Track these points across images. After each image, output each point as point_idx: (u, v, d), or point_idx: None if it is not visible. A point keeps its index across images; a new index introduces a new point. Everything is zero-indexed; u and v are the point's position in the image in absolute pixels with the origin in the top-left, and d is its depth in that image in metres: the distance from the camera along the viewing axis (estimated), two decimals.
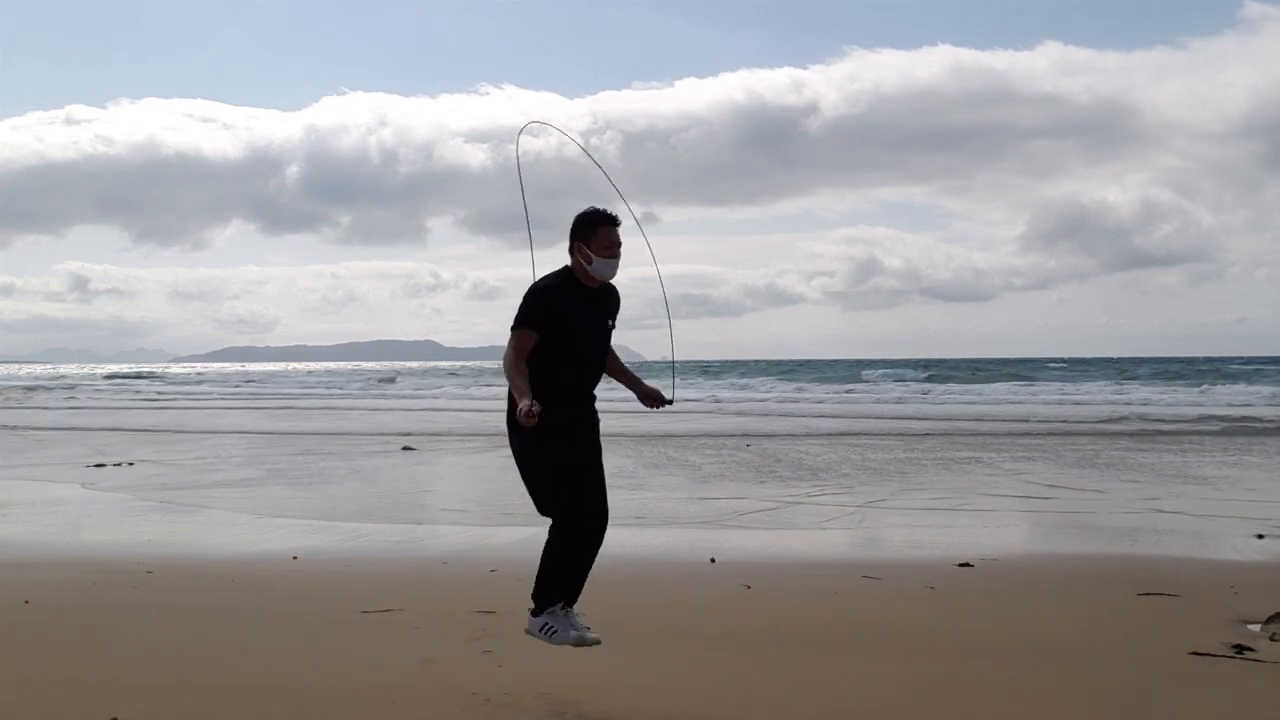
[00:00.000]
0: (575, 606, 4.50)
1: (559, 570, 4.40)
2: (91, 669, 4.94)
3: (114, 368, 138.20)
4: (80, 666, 4.99)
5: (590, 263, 4.36)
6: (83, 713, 4.28)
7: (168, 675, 4.85)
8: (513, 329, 4.30)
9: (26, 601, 6.35)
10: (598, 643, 4.44)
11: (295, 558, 8.11)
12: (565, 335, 4.30)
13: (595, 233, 4.36)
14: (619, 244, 4.39)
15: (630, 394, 4.69)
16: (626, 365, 4.72)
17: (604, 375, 4.62)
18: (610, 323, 4.53)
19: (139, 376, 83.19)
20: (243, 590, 6.89)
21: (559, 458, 4.34)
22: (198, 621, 5.94)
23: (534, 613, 4.46)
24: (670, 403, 4.64)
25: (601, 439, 4.58)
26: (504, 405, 4.44)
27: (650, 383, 4.66)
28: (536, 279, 4.43)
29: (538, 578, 4.43)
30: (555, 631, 4.40)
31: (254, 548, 8.78)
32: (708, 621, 6.03)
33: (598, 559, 4.54)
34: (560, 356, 4.31)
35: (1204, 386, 39.89)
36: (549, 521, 4.44)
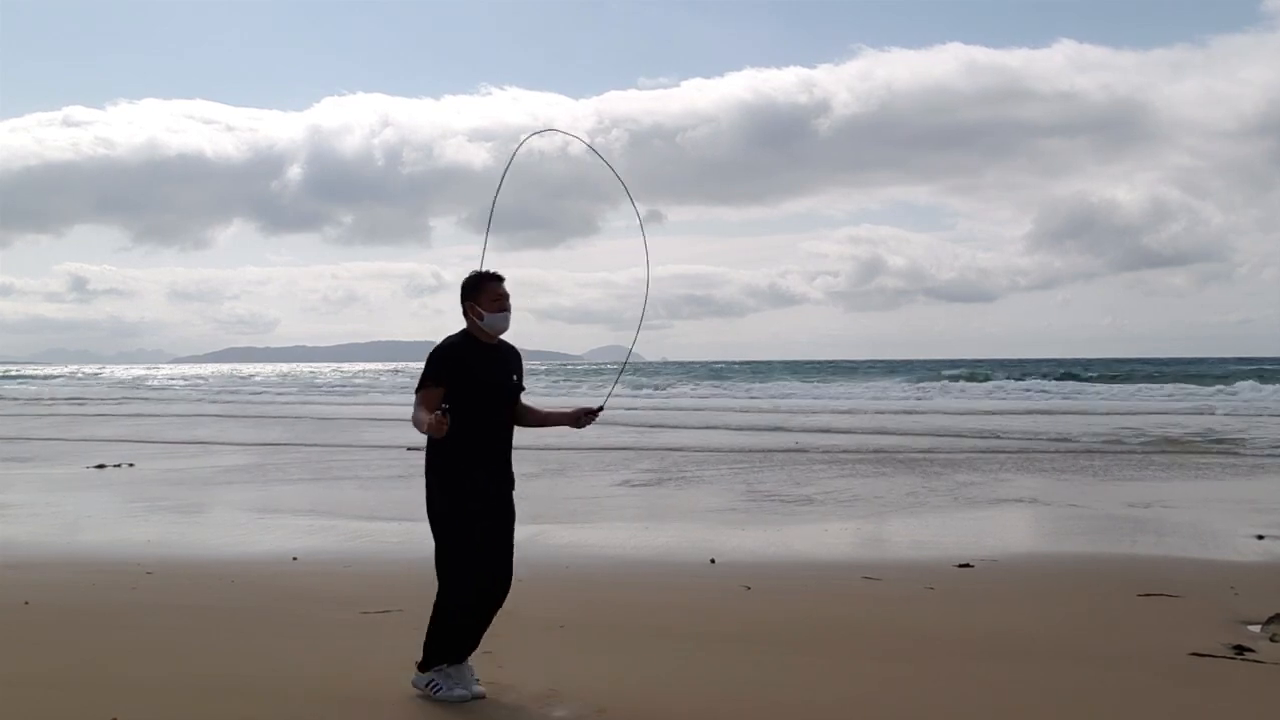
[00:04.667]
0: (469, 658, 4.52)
1: (447, 631, 4.44)
2: (91, 669, 4.94)
3: (115, 368, 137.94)
4: (80, 666, 4.99)
5: (482, 319, 4.51)
6: (83, 713, 4.28)
7: (168, 675, 4.84)
8: (418, 390, 4.44)
9: (26, 602, 6.35)
10: (482, 697, 4.47)
11: (295, 558, 8.11)
12: (472, 390, 4.41)
13: (482, 291, 4.52)
14: (506, 296, 4.54)
15: (581, 427, 4.73)
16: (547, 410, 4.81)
17: (528, 428, 4.71)
18: (515, 378, 4.61)
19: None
20: (243, 590, 6.89)
21: (467, 516, 4.38)
22: (198, 621, 5.94)
23: (420, 666, 4.51)
24: (601, 409, 4.74)
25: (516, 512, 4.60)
26: None
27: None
28: (440, 341, 4.55)
29: (427, 636, 4.48)
30: (440, 689, 4.45)
31: (254, 548, 8.78)
32: (708, 621, 6.02)
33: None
34: (469, 412, 4.38)
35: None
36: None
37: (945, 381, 47.39)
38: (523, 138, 5.08)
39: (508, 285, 4.57)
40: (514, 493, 4.57)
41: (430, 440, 4.42)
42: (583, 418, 4.69)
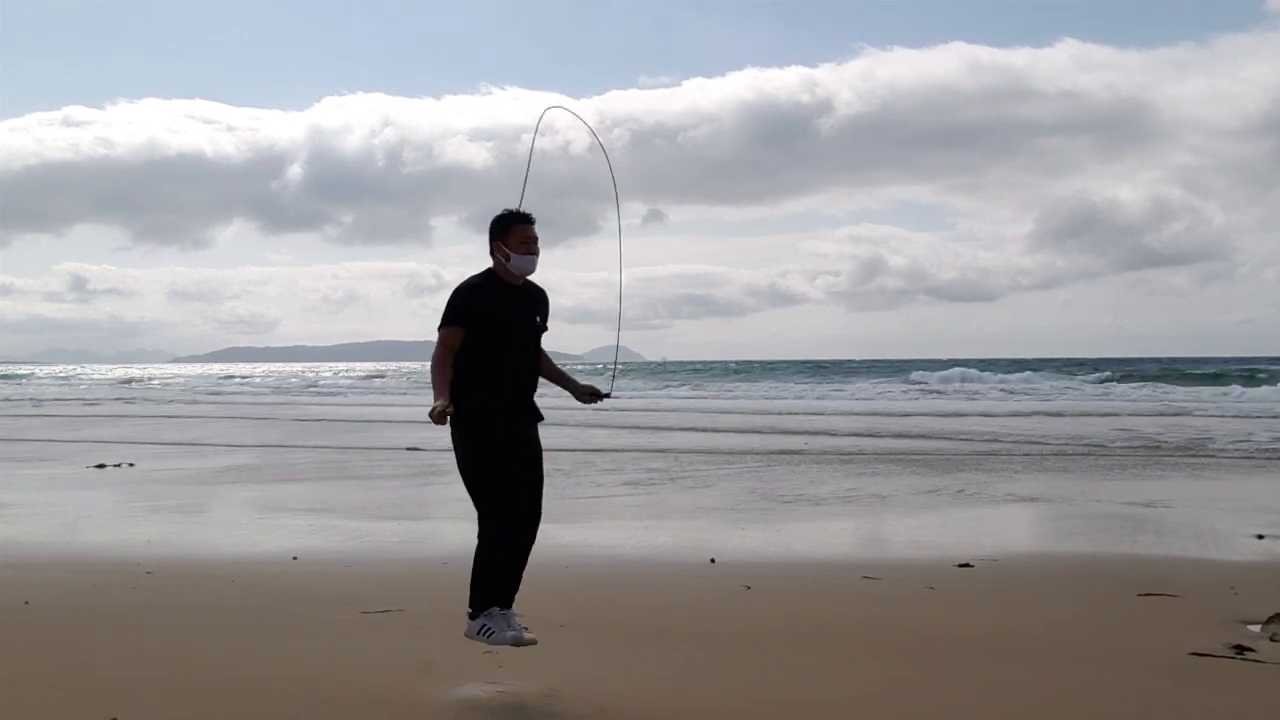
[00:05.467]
0: (513, 606, 4.58)
1: (491, 572, 4.49)
2: (91, 669, 4.94)
3: (116, 369, 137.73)
4: (80, 666, 4.99)
5: (509, 260, 4.50)
6: (83, 713, 4.28)
7: (168, 675, 4.84)
8: (439, 328, 4.45)
9: (26, 602, 6.35)
10: (534, 643, 4.54)
11: (295, 558, 8.11)
12: (493, 330, 4.43)
13: (510, 231, 4.51)
14: (534, 239, 4.54)
15: (591, 399, 4.78)
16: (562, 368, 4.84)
17: (541, 378, 4.73)
18: (539, 319, 4.63)
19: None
20: (243, 590, 6.89)
21: (492, 454, 4.43)
22: (198, 621, 5.94)
23: (471, 616, 4.56)
24: (608, 396, 4.76)
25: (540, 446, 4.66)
26: None
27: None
28: (462, 281, 4.56)
29: (472, 582, 4.52)
30: (493, 633, 4.49)
31: (254, 548, 8.78)
32: (708, 622, 6.02)
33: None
34: (490, 352, 4.42)
35: None
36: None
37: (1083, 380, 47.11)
38: (546, 109, 5.06)
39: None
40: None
41: (455, 386, 4.43)
42: (589, 395, 4.72)
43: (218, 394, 52.71)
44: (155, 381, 72.00)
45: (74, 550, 8.64)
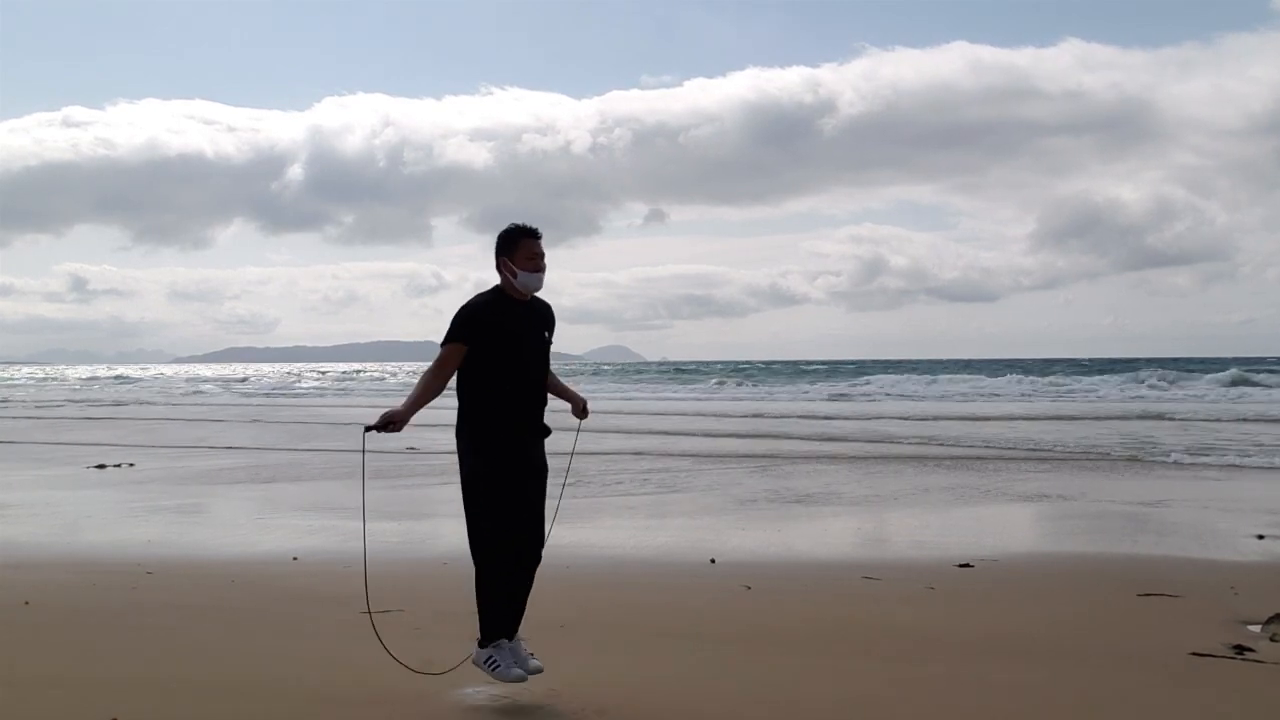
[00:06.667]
0: (520, 631, 4.53)
1: (491, 604, 4.43)
2: (91, 669, 4.94)
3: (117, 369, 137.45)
4: (80, 666, 4.99)
5: (515, 276, 4.47)
6: (83, 713, 4.28)
7: (168, 675, 4.84)
8: (442, 344, 4.40)
9: (26, 602, 6.35)
10: (540, 671, 4.48)
11: (295, 558, 8.11)
12: (501, 347, 4.39)
13: (517, 247, 4.47)
14: (541, 255, 4.50)
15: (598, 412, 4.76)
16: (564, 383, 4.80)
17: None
18: (547, 335, 4.60)
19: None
20: (243, 590, 6.89)
21: (495, 485, 4.36)
22: (198, 621, 5.94)
23: (480, 644, 4.50)
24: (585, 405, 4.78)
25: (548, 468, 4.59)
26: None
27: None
28: (470, 298, 4.53)
29: (478, 608, 4.47)
30: (498, 666, 4.43)
31: (254, 548, 8.78)
32: (708, 622, 6.02)
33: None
34: (499, 369, 4.38)
35: None
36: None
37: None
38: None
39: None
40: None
41: (461, 400, 4.41)
42: (584, 409, 4.74)
43: (196, 395, 51.82)
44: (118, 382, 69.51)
45: (74, 550, 8.64)
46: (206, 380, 74.63)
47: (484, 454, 4.37)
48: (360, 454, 4.52)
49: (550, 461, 4.58)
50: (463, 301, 4.52)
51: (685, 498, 12.04)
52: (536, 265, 4.47)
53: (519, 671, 4.42)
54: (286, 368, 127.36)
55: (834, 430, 22.84)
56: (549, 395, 4.68)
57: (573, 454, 5.39)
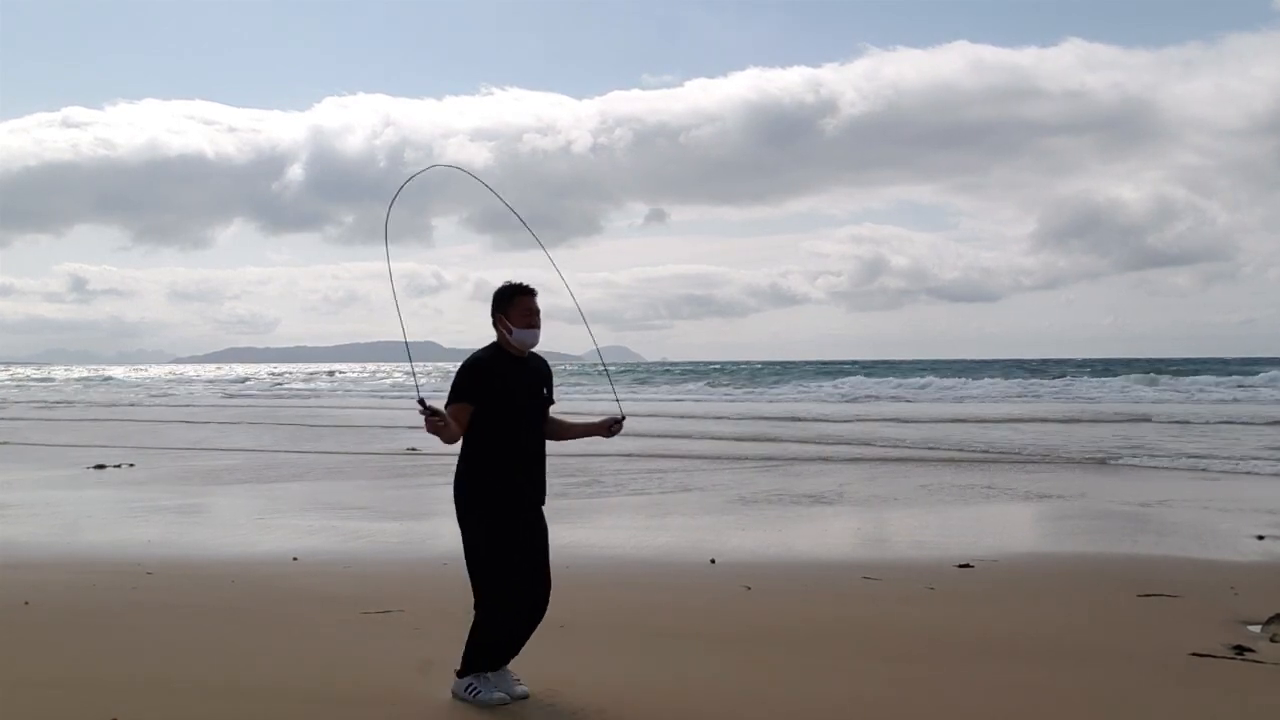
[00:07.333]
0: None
1: (486, 651, 4.43)
2: (91, 669, 4.94)
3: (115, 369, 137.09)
4: (80, 666, 4.99)
5: (511, 333, 4.48)
6: (83, 713, 4.28)
7: (168, 675, 4.84)
8: (447, 405, 4.38)
9: (26, 602, 6.35)
10: (525, 696, 4.46)
11: (295, 558, 8.10)
12: (500, 403, 4.40)
13: (513, 304, 4.49)
14: (537, 312, 4.52)
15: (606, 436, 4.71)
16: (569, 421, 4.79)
17: (556, 440, 4.67)
18: (545, 390, 4.59)
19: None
20: (243, 591, 6.88)
21: (498, 544, 4.36)
22: (198, 621, 5.94)
23: (459, 673, 4.48)
24: (624, 417, 4.73)
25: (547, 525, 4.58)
26: None
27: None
28: (470, 355, 4.53)
29: (467, 643, 4.45)
30: (479, 692, 4.42)
31: (254, 548, 8.78)
32: (708, 622, 6.02)
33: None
34: (498, 424, 4.39)
35: None
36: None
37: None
38: (420, 170, 5.01)
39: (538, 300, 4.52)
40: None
41: (462, 462, 4.43)
42: (613, 426, 4.66)
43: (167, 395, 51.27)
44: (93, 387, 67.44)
45: (74, 550, 8.64)
46: (195, 381, 74.38)
47: (485, 518, 4.37)
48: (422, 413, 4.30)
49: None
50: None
51: (685, 498, 12.04)
52: (531, 322, 4.49)
53: (500, 695, 4.40)
54: (284, 368, 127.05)
55: (834, 431, 22.84)
56: (575, 438, 4.72)
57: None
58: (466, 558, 4.43)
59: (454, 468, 4.52)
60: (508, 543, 4.36)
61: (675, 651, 5.33)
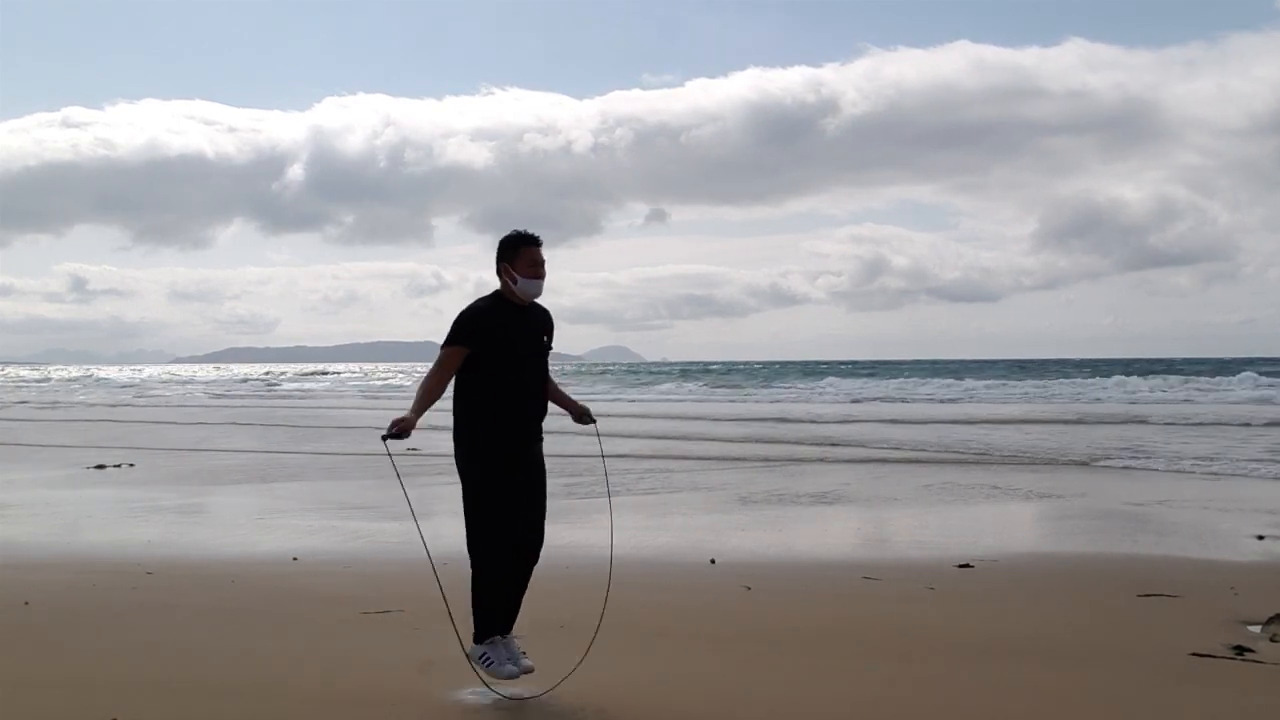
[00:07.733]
0: (513, 630, 4.58)
1: (488, 604, 4.47)
2: (91, 669, 4.94)
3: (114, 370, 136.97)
4: (80, 666, 4.99)
5: (516, 282, 4.48)
6: (83, 713, 4.28)
7: (168, 675, 4.84)
8: (442, 347, 4.41)
9: (26, 602, 6.35)
10: (531, 670, 4.53)
11: (295, 558, 8.10)
12: (500, 351, 4.40)
13: (519, 254, 4.49)
14: (542, 262, 4.52)
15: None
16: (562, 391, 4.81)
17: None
18: (546, 339, 4.60)
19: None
20: (243, 590, 6.88)
21: (496, 488, 4.39)
22: (198, 621, 5.94)
23: (475, 639, 4.54)
24: (593, 421, 4.79)
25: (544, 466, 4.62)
26: None
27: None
28: (470, 304, 4.53)
29: (473, 606, 4.50)
30: (492, 663, 4.48)
31: (254, 548, 8.78)
32: (708, 622, 6.02)
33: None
34: (498, 373, 4.39)
35: None
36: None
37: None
38: None
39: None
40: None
41: (459, 405, 4.44)
42: (585, 416, 4.75)
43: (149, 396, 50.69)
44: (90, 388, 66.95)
45: (74, 550, 8.64)
46: (191, 382, 74.17)
47: (483, 461, 4.40)
48: (389, 457, 4.60)
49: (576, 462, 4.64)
50: (463, 304, 4.53)
51: (685, 498, 12.05)
52: (537, 272, 4.49)
53: (512, 668, 4.47)
54: (283, 368, 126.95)
55: (833, 431, 22.84)
56: (554, 402, 4.70)
57: (603, 457, 5.65)
58: (465, 503, 4.44)
59: (454, 469, 4.52)
60: (509, 481, 4.40)
61: (675, 651, 5.34)
